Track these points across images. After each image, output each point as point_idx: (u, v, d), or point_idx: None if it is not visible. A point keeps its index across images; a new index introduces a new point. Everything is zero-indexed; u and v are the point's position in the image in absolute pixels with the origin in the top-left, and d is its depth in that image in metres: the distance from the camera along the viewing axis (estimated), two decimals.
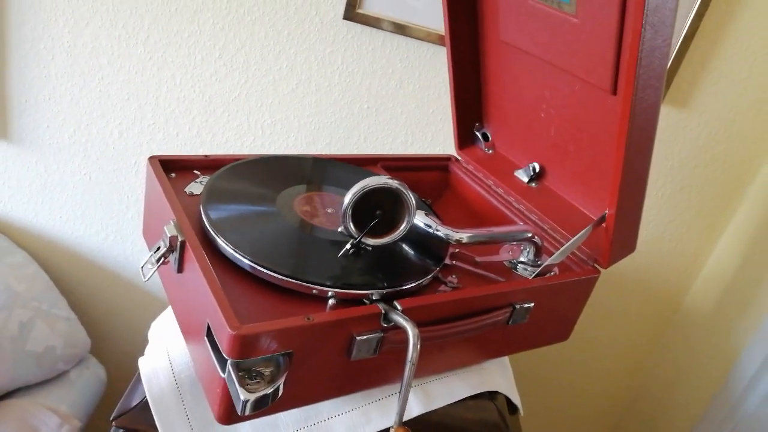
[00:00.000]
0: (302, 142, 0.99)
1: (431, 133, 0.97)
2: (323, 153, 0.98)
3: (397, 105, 0.96)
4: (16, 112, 0.99)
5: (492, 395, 0.64)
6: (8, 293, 0.96)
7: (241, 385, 0.43)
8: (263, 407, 0.45)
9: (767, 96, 0.93)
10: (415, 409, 0.58)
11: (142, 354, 0.61)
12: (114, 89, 0.97)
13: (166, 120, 0.99)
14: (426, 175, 0.82)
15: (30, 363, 0.95)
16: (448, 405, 0.60)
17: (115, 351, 1.21)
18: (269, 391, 0.45)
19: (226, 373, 0.45)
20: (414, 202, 0.55)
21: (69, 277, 1.13)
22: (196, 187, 0.63)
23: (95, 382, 1.04)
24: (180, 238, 0.52)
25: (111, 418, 0.56)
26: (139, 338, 1.19)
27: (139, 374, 0.58)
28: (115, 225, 1.08)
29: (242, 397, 0.43)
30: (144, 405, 0.56)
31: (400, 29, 0.90)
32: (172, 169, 0.65)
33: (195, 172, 0.65)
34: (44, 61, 0.96)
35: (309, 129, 0.98)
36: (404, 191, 0.54)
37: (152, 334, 0.67)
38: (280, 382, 0.45)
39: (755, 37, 0.89)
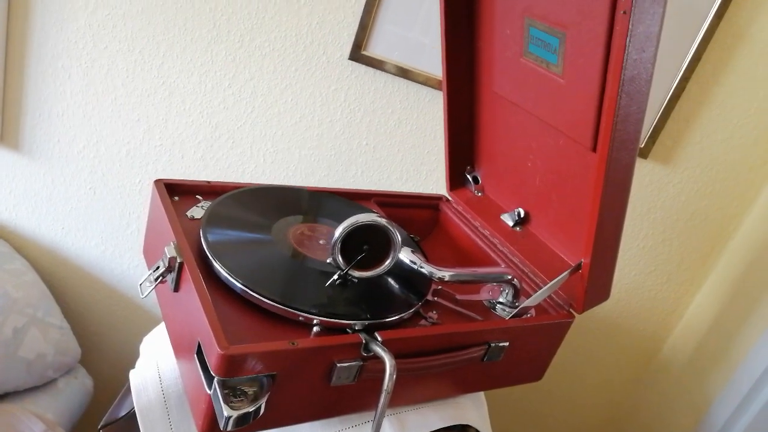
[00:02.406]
0: (302, 172, 1.03)
1: (425, 172, 1.02)
2: (321, 184, 1.02)
3: (394, 144, 1.00)
4: (30, 125, 1.04)
5: (464, 429, 0.67)
6: (5, 299, 0.99)
7: (226, 401, 0.46)
8: (244, 424, 0.48)
9: (747, 156, 0.97)
10: None
11: (130, 368, 0.64)
12: (125, 110, 1.02)
13: (173, 143, 1.03)
14: (417, 212, 0.86)
15: (20, 369, 0.97)
16: None
17: (103, 363, 1.23)
18: (251, 409, 0.48)
19: (212, 390, 0.48)
20: (399, 239, 0.59)
21: (65, 287, 1.16)
22: (197, 212, 0.66)
23: (82, 393, 1.06)
24: (179, 260, 0.55)
25: (99, 427, 0.58)
26: (128, 352, 1.22)
27: (128, 386, 0.61)
28: (115, 239, 1.12)
29: (225, 413, 0.46)
30: (131, 416, 0.59)
31: (402, 72, 0.95)
32: (176, 192, 0.68)
33: (197, 197, 0.69)
34: (61, 79, 1.00)
35: (309, 161, 1.02)
36: (391, 229, 0.58)
37: (144, 348, 0.69)
38: (262, 402, 0.48)
39: (738, 100, 0.94)
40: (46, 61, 0.99)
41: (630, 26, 0.49)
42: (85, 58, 0.99)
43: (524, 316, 0.66)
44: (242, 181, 1.03)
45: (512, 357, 0.65)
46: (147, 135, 1.03)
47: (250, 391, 0.49)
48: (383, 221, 0.57)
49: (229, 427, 0.46)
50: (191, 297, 0.52)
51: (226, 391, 0.47)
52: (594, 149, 0.62)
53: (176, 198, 0.68)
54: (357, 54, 0.95)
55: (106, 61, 0.99)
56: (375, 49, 0.94)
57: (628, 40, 0.49)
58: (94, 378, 1.12)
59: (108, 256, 1.13)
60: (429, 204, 0.87)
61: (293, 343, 0.49)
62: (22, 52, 0.99)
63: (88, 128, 1.03)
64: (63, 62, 0.99)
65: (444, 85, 0.79)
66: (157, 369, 0.61)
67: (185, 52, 0.97)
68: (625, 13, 0.49)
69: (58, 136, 1.04)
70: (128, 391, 0.61)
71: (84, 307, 1.18)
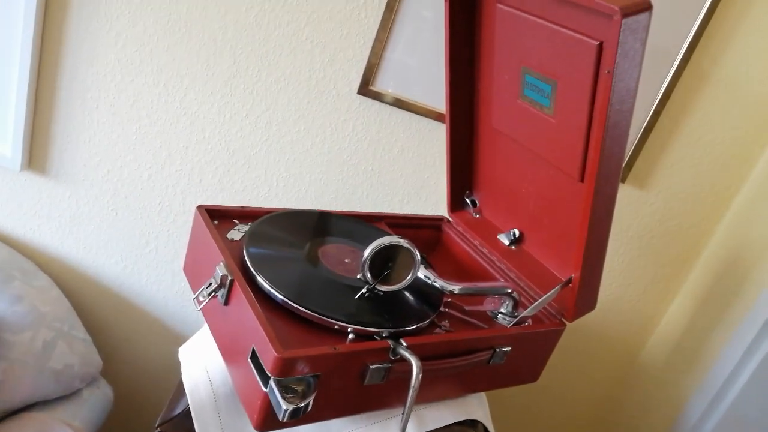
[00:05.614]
0: (312, 195, 1.12)
1: (425, 195, 1.11)
2: (329, 206, 1.11)
3: (397, 169, 1.10)
4: (58, 151, 1.11)
5: (473, 423, 0.76)
6: (35, 314, 1.06)
7: (283, 397, 0.55)
8: (296, 417, 0.56)
9: (714, 181, 1.09)
10: (410, 430, 0.70)
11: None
12: (148, 138, 1.10)
13: (192, 168, 1.11)
14: (422, 232, 0.95)
15: (50, 379, 1.04)
16: (437, 429, 0.72)
17: (121, 374, 1.29)
18: (302, 404, 0.56)
19: (268, 388, 0.56)
20: (419, 258, 0.68)
21: (86, 302, 1.23)
22: (236, 234, 0.75)
23: (104, 401, 1.13)
24: (229, 277, 0.64)
25: (156, 425, 0.66)
26: (145, 363, 1.28)
27: (178, 388, 0.69)
28: (134, 257, 1.19)
29: (283, 407, 0.54)
30: (185, 414, 0.67)
31: (405, 105, 1.05)
32: (215, 216, 0.77)
33: (234, 221, 0.78)
34: (89, 109, 1.08)
35: (318, 184, 1.11)
36: (412, 249, 0.67)
37: (183, 356, 0.77)
38: (311, 399, 0.57)
39: (706, 130, 1.05)
40: (76, 93, 1.07)
41: (613, 84, 0.59)
42: (112, 90, 1.07)
43: (523, 325, 0.75)
44: (255, 203, 1.12)
45: (513, 360, 0.75)
46: (168, 160, 1.11)
47: (299, 389, 0.57)
48: (405, 242, 0.67)
49: (286, 419, 0.55)
50: (243, 309, 0.61)
51: (281, 389, 0.56)
52: (582, 180, 0.72)
53: (215, 222, 0.76)
54: (365, 89, 1.04)
55: (132, 92, 1.07)
56: (381, 84, 1.04)
57: (611, 94, 0.60)
58: (113, 388, 1.18)
59: (127, 273, 1.20)
60: (432, 224, 0.97)
61: (335, 348, 0.58)
62: (53, 84, 1.06)
63: (112, 154, 1.11)
64: (92, 93, 1.07)
65: (447, 120, 0.89)
66: (206, 372, 0.69)
67: (207, 85, 1.06)
68: (608, 72, 0.59)
69: (83, 161, 1.12)
70: (178, 393, 0.69)
71: (104, 321, 1.25)
